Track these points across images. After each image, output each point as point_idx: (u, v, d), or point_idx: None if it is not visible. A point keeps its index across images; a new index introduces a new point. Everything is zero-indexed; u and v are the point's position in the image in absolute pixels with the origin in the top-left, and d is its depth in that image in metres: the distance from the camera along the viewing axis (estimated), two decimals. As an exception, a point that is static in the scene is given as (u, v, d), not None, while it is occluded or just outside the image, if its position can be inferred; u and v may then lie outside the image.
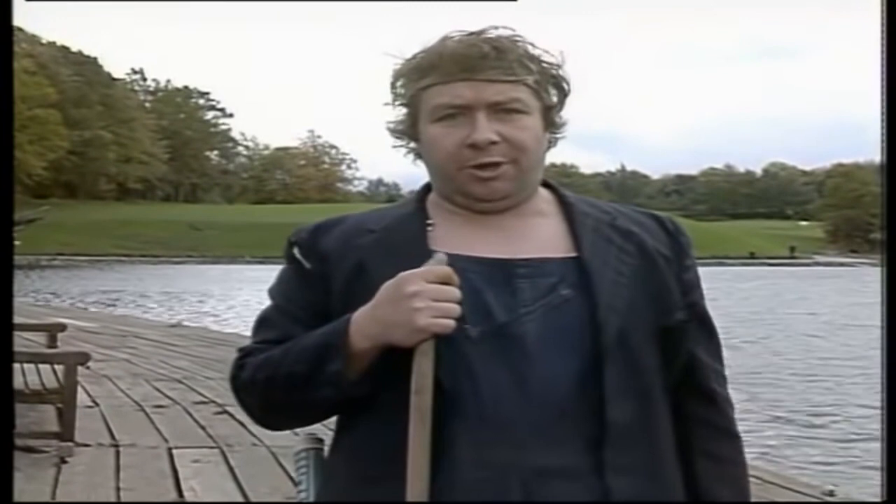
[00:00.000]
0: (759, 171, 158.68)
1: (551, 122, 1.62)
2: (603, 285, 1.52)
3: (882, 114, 2.01)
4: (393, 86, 1.63)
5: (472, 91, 1.55)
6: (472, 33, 1.59)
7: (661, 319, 1.55)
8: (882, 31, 1.98)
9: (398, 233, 1.60)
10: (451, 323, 1.45)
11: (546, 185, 1.68)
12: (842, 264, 79.70)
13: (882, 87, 1.99)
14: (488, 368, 1.48)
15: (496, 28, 1.60)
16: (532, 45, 1.60)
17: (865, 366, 14.45)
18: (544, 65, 1.60)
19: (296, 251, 1.65)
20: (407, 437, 1.44)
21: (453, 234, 1.59)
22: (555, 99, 1.61)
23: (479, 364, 1.49)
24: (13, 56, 2.37)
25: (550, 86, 1.61)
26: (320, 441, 1.70)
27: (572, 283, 1.53)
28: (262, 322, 1.66)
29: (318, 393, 1.53)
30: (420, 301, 1.44)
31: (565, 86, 1.63)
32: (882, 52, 1.98)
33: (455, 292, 1.46)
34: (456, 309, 1.45)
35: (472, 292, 1.49)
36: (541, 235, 1.60)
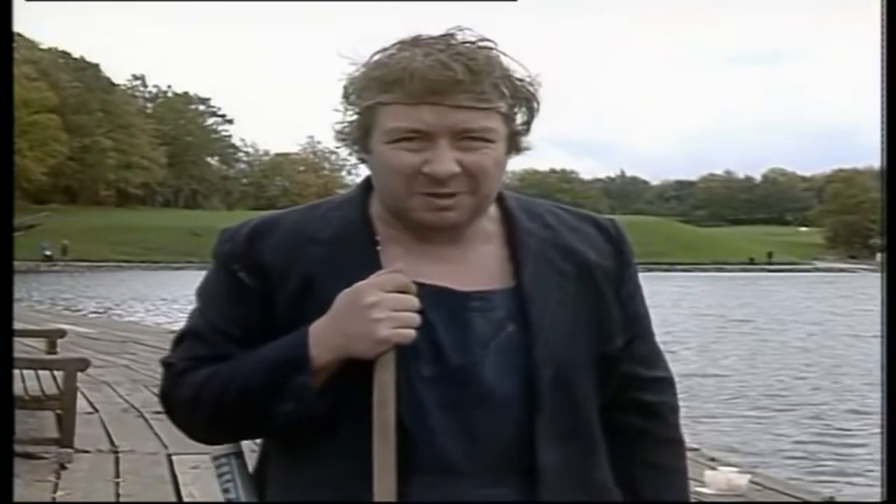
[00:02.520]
0: (758, 176, 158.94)
1: (516, 147, 1.50)
2: (543, 319, 1.47)
3: (882, 117, 2.00)
4: (346, 91, 1.48)
5: (438, 117, 1.41)
6: (441, 44, 1.42)
7: (601, 346, 1.51)
8: (882, 34, 1.97)
9: (346, 246, 1.50)
10: (412, 333, 1.41)
11: None
12: (841, 270, 79.68)
13: (882, 89, 1.98)
14: (441, 413, 1.45)
15: (465, 34, 1.45)
16: (506, 57, 1.46)
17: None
18: (518, 84, 1.45)
19: (234, 266, 1.52)
20: (364, 450, 1.41)
21: (401, 256, 1.49)
22: (523, 121, 1.48)
23: (432, 408, 1.45)
24: (13, 62, 2.37)
25: (522, 108, 1.47)
26: (238, 445, 1.62)
27: (514, 317, 1.48)
28: (193, 336, 1.54)
29: (281, 407, 1.45)
30: (379, 311, 1.40)
31: (535, 106, 1.48)
32: (882, 54, 1.97)
33: (414, 301, 1.42)
34: (416, 318, 1.42)
35: (424, 326, 1.43)
36: (486, 263, 1.51)
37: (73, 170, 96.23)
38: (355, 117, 1.48)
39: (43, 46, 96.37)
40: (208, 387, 1.49)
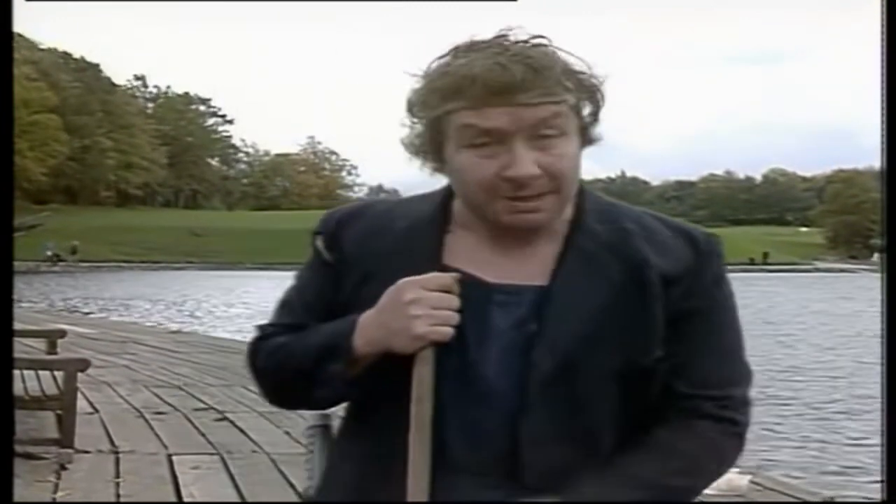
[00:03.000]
0: (758, 177, 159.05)
1: (588, 139, 1.50)
2: (558, 319, 1.46)
3: (882, 117, 2.00)
4: (410, 104, 1.49)
5: (509, 117, 1.41)
6: (496, 47, 1.43)
7: (632, 356, 1.47)
8: (882, 34, 1.97)
9: (415, 237, 1.55)
10: (450, 331, 1.44)
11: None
12: (842, 270, 79.68)
13: (882, 89, 1.98)
14: (447, 407, 1.47)
15: (517, 33, 1.45)
16: (564, 52, 1.46)
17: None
18: (580, 76, 1.46)
19: (319, 242, 1.61)
20: (402, 444, 1.45)
21: (468, 248, 1.53)
22: (590, 112, 1.48)
23: (443, 401, 1.47)
24: (13, 62, 2.37)
25: (587, 99, 1.47)
26: (328, 417, 1.69)
27: (536, 315, 1.48)
28: (283, 304, 1.65)
29: (316, 391, 1.53)
30: (418, 308, 1.44)
31: (600, 96, 1.49)
32: (882, 54, 1.97)
33: (454, 300, 1.45)
34: (454, 317, 1.45)
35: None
36: (535, 260, 1.51)
37: (74, 170, 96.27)
38: (423, 129, 1.50)
39: (43, 47, 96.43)
40: (272, 358, 1.58)
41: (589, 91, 1.47)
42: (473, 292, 1.48)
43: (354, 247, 1.57)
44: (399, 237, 1.56)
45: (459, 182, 1.50)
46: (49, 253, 69.15)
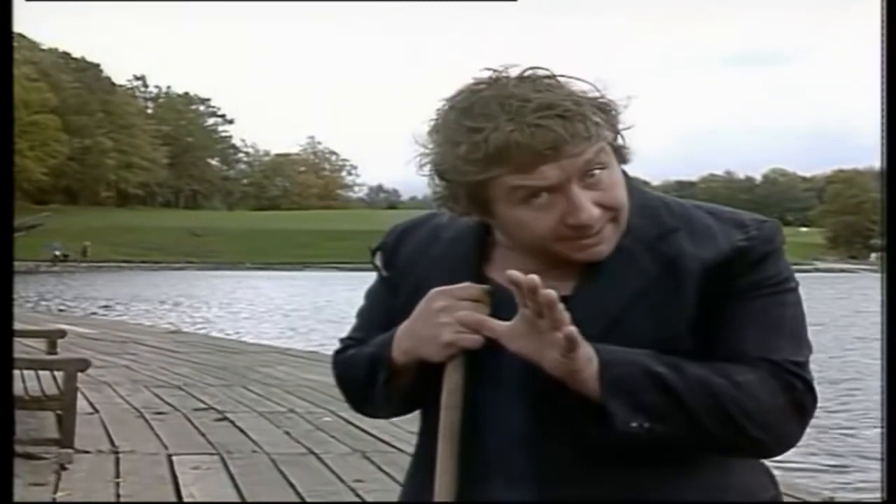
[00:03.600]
0: (758, 177, 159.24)
1: (623, 158, 1.49)
2: (584, 321, 1.43)
3: (882, 117, 2.00)
4: (441, 172, 1.46)
5: (560, 171, 1.40)
6: (518, 101, 1.39)
7: (663, 348, 1.44)
8: (882, 34, 1.97)
9: (456, 252, 1.57)
10: (478, 338, 1.46)
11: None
12: (842, 270, 79.70)
13: (882, 89, 1.98)
14: (480, 413, 1.50)
15: (530, 77, 1.42)
16: (582, 84, 1.44)
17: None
18: (603, 106, 1.45)
19: (377, 258, 1.66)
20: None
21: (508, 259, 1.51)
22: (618, 134, 1.48)
23: (480, 409, 1.50)
24: (13, 62, 2.37)
25: (616, 122, 1.47)
26: None
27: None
28: (357, 316, 1.70)
29: (375, 401, 1.59)
30: (446, 316, 1.46)
31: (620, 118, 1.47)
32: (882, 54, 1.97)
33: (483, 310, 1.47)
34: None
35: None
36: (571, 267, 1.50)
37: (74, 170, 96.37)
38: (461, 191, 1.46)
39: (43, 47, 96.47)
40: (343, 371, 1.65)
41: (612, 114, 1.46)
42: (506, 302, 1.47)
43: (408, 259, 1.61)
44: (444, 248, 1.59)
45: (517, 234, 1.48)
46: (57, 253, 69.35)
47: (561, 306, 1.36)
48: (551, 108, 1.39)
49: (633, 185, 1.55)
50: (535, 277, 1.35)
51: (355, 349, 1.63)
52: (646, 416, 1.40)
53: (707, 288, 1.46)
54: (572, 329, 1.36)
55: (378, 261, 1.66)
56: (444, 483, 1.47)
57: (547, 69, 1.45)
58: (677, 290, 1.46)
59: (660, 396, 1.40)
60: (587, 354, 1.40)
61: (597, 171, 1.43)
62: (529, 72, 1.44)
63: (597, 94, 1.45)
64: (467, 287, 1.49)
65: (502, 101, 1.40)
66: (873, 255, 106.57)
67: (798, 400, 1.46)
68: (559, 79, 1.44)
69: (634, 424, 1.39)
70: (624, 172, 1.54)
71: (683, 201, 1.57)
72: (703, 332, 1.46)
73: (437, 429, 1.50)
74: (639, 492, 1.46)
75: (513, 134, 1.37)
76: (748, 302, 1.47)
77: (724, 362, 1.44)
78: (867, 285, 43.25)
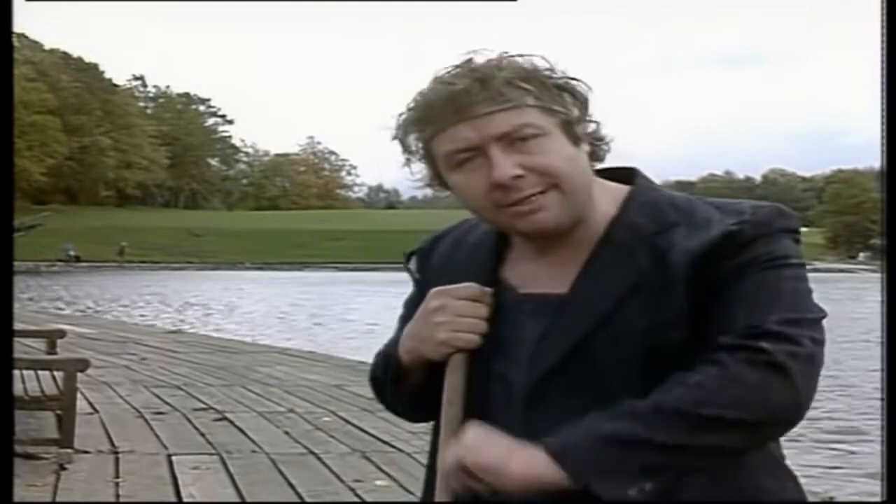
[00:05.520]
0: (758, 177, 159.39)
1: (576, 136, 1.48)
2: (575, 316, 1.46)
3: (882, 117, 2.00)
4: (402, 143, 1.55)
5: (472, 130, 1.45)
6: (451, 69, 1.48)
7: (653, 339, 1.43)
8: (882, 34, 1.97)
9: (476, 254, 1.61)
10: (473, 338, 1.50)
11: (632, 195, 1.55)
12: (841, 270, 79.69)
13: (882, 89, 1.98)
14: (483, 414, 1.50)
15: (479, 54, 1.48)
16: (524, 59, 1.47)
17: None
18: (544, 77, 1.47)
19: (412, 262, 1.70)
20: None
21: (521, 259, 1.57)
22: (573, 109, 1.48)
23: (479, 406, 1.52)
24: (13, 62, 2.37)
25: (560, 96, 1.47)
26: None
27: (556, 323, 1.49)
28: (398, 320, 1.71)
29: (392, 399, 1.64)
30: (442, 316, 1.50)
31: (579, 90, 1.49)
32: (882, 54, 1.97)
33: (480, 309, 1.50)
34: (480, 325, 1.50)
35: (499, 324, 1.52)
36: (570, 266, 1.51)
37: (73, 170, 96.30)
38: (423, 164, 1.55)
39: (43, 47, 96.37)
40: (371, 370, 1.68)
41: (560, 88, 1.48)
42: (508, 301, 1.53)
43: (438, 263, 1.66)
44: (466, 252, 1.63)
45: (465, 202, 1.54)
46: (71, 253, 69.51)
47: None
48: (468, 70, 1.46)
49: (641, 184, 1.56)
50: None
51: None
52: (630, 477, 1.35)
53: (696, 277, 1.44)
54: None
55: (412, 265, 1.69)
56: (445, 483, 1.48)
57: (503, 52, 1.49)
58: (666, 283, 1.44)
59: (628, 451, 1.35)
60: (531, 460, 1.37)
61: (526, 136, 1.44)
62: (485, 53, 1.49)
63: (543, 68, 1.48)
64: (466, 287, 1.52)
65: (444, 71, 1.49)
66: (862, 255, 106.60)
67: (770, 360, 1.37)
68: (511, 56, 1.48)
69: (631, 492, 1.35)
70: (635, 171, 1.57)
71: (695, 197, 1.55)
72: (696, 323, 1.43)
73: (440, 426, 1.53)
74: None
75: (432, 92, 1.47)
76: (734, 282, 1.43)
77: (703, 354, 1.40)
78: (857, 286, 43.23)
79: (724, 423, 1.36)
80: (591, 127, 1.51)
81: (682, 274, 1.44)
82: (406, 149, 1.54)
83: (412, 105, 1.51)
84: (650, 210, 1.51)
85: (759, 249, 1.45)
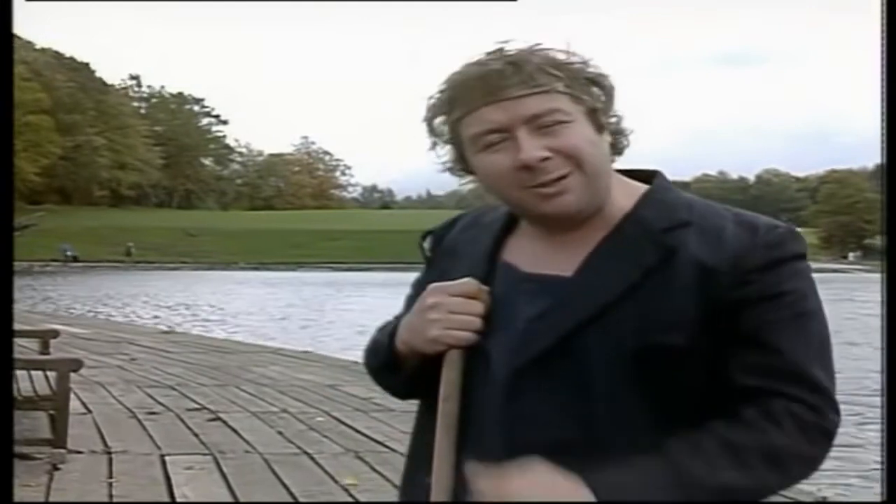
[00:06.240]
0: (752, 177, 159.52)
1: (601, 125, 1.51)
2: (572, 300, 1.46)
3: (882, 117, 2.00)
4: (429, 126, 1.56)
5: (502, 112, 1.47)
6: (484, 54, 1.50)
7: (651, 337, 1.43)
8: (882, 34, 1.97)
9: (484, 235, 1.63)
10: (466, 335, 1.50)
11: (650, 192, 1.56)
12: (835, 270, 79.79)
13: (882, 90, 1.98)
14: (473, 394, 1.52)
15: (510, 43, 1.50)
16: (554, 49, 1.50)
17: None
18: (573, 67, 1.49)
19: (426, 241, 1.71)
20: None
21: (525, 242, 1.58)
22: (600, 98, 1.51)
23: (471, 388, 1.53)
24: (13, 62, 2.36)
25: (588, 86, 1.50)
26: None
27: (558, 304, 1.49)
28: (405, 300, 1.72)
29: (382, 381, 1.68)
30: (436, 313, 1.51)
31: (606, 82, 1.52)
32: (882, 54, 1.97)
33: (476, 306, 1.51)
34: (474, 322, 1.50)
35: (496, 302, 1.53)
36: (577, 248, 1.52)
37: (67, 170, 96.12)
38: (447, 147, 1.56)
39: (37, 47, 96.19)
40: (367, 348, 1.71)
41: (587, 79, 1.50)
42: (508, 280, 1.54)
43: (451, 241, 1.67)
44: (477, 232, 1.64)
45: (489, 185, 1.54)
46: (69, 253, 69.50)
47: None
48: (497, 52, 1.48)
49: (660, 184, 1.57)
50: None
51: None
52: None
53: (708, 292, 1.44)
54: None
55: (427, 243, 1.70)
56: (441, 475, 1.48)
57: (540, 43, 1.51)
58: (670, 284, 1.45)
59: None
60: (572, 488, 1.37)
61: (552, 122, 1.46)
62: (514, 43, 1.51)
63: (575, 60, 1.50)
64: (462, 284, 1.52)
65: (476, 56, 1.51)
66: (852, 255, 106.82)
67: (822, 425, 1.43)
68: (544, 47, 1.50)
69: None
70: (657, 173, 1.58)
71: (713, 203, 1.56)
72: (706, 339, 1.43)
73: (427, 418, 1.54)
74: None
75: (463, 74, 1.49)
76: (766, 319, 1.44)
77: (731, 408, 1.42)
78: (848, 287, 43.30)
79: (759, 488, 1.42)
80: (614, 119, 1.54)
81: (690, 281, 1.44)
82: (432, 131, 1.56)
83: (443, 87, 1.52)
84: (663, 207, 1.52)
85: (786, 284, 1.46)
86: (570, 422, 1.45)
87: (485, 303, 1.52)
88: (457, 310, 1.50)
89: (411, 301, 1.65)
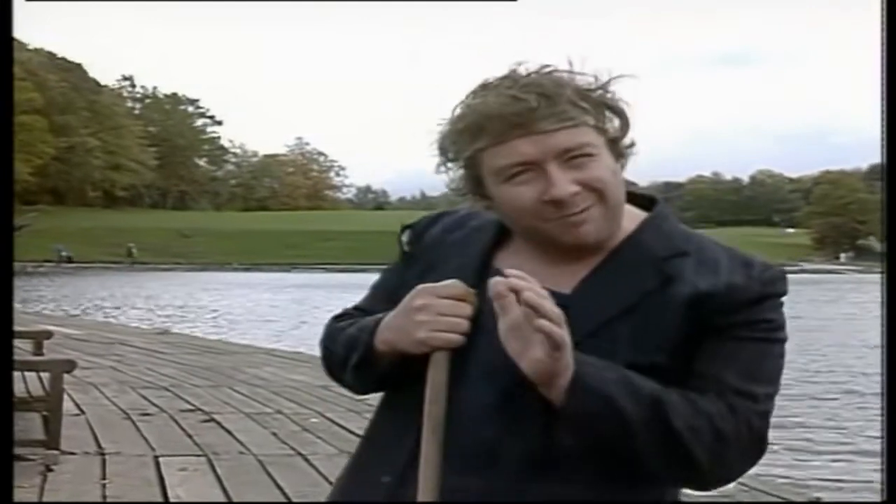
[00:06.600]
0: (746, 178, 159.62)
1: (620, 153, 1.54)
2: (571, 321, 1.45)
3: (882, 117, 2.00)
4: (443, 149, 1.56)
5: (534, 146, 1.47)
6: (509, 81, 1.49)
7: (634, 357, 1.47)
8: (882, 34, 1.97)
9: (474, 240, 1.62)
10: (454, 337, 1.50)
11: (650, 218, 1.60)
12: (828, 272, 79.91)
13: (882, 90, 1.98)
14: (455, 403, 1.51)
15: (525, 67, 1.50)
16: (575, 74, 1.51)
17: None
18: (596, 94, 1.51)
19: (405, 234, 1.70)
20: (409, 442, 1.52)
21: (521, 253, 1.58)
22: (617, 125, 1.53)
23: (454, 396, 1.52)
24: (13, 63, 2.36)
25: (611, 115, 1.52)
26: None
27: None
28: (370, 288, 1.74)
29: (347, 376, 1.65)
30: (424, 314, 1.50)
31: (624, 108, 1.54)
32: (882, 54, 1.97)
33: (464, 308, 1.50)
34: (462, 324, 1.50)
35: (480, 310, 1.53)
36: (573, 267, 1.54)
37: (60, 171, 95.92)
38: (461, 171, 1.56)
39: (30, 47, 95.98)
40: (328, 337, 1.70)
41: (607, 106, 1.52)
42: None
43: (433, 238, 1.66)
44: (465, 234, 1.64)
45: (506, 214, 1.55)
46: (63, 254, 69.45)
47: (556, 310, 1.38)
48: (530, 84, 1.47)
49: (660, 211, 1.61)
50: (514, 281, 1.39)
51: (347, 322, 1.67)
52: (593, 440, 1.44)
53: (697, 316, 1.49)
54: (556, 330, 1.37)
55: (405, 237, 1.69)
56: (428, 481, 1.47)
57: (549, 64, 1.51)
58: (665, 308, 1.49)
59: (615, 428, 1.43)
60: (568, 362, 1.41)
61: (580, 155, 1.48)
62: (533, 66, 1.51)
63: (594, 87, 1.51)
64: (450, 285, 1.52)
65: (499, 81, 1.49)
66: (843, 256, 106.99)
67: (757, 436, 1.50)
68: (564, 72, 1.50)
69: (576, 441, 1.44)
70: (654, 199, 1.62)
71: (707, 236, 1.61)
72: (685, 358, 1.49)
73: (388, 417, 1.56)
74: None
75: (491, 104, 1.47)
76: (740, 341, 1.50)
77: (696, 391, 1.47)
78: (839, 288, 43.34)
79: (698, 463, 1.45)
80: (629, 145, 1.56)
81: (682, 306, 1.49)
82: (446, 156, 1.56)
83: (465, 113, 1.51)
84: (663, 235, 1.56)
85: (768, 314, 1.52)
86: (557, 434, 1.47)
87: (472, 305, 1.52)
88: (445, 312, 1.50)
89: (379, 288, 1.70)
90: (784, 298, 1.55)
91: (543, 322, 1.36)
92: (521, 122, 1.46)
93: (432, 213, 1.73)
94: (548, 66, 1.51)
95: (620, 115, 1.53)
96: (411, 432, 1.52)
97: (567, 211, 1.48)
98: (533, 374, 1.41)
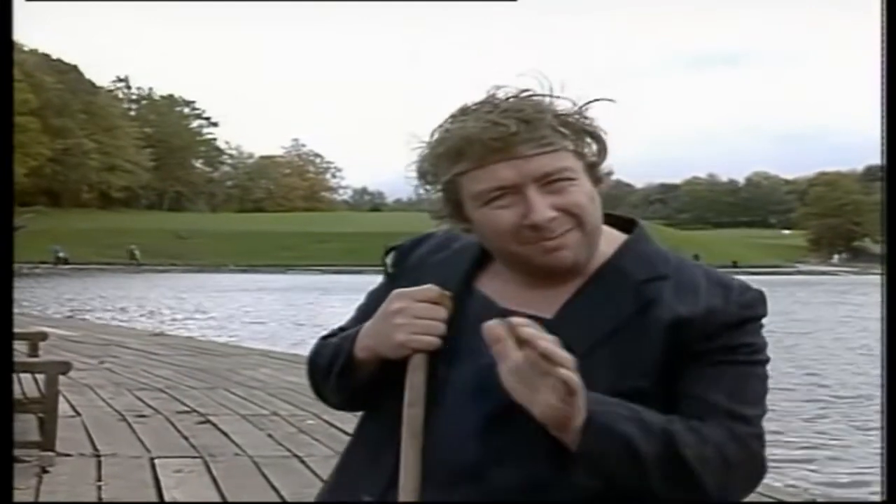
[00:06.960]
0: (742, 180, 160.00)
1: (597, 178, 1.56)
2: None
3: (882, 117, 2.00)
4: (422, 173, 1.57)
5: (514, 170, 1.48)
6: (488, 105, 1.50)
7: (617, 382, 1.48)
8: (882, 34, 1.97)
9: (456, 261, 1.63)
10: (431, 340, 1.51)
11: (631, 241, 1.61)
12: (823, 273, 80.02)
13: (882, 90, 1.98)
14: (435, 418, 1.52)
15: (504, 91, 1.51)
16: (555, 99, 1.52)
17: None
18: (575, 120, 1.52)
19: (388, 257, 1.71)
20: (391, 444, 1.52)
21: (502, 276, 1.59)
22: (595, 150, 1.55)
23: (432, 410, 1.53)
24: (13, 64, 2.35)
25: (589, 140, 1.54)
26: None
27: None
28: (355, 310, 1.76)
29: (327, 389, 1.68)
30: (401, 318, 1.53)
31: (602, 134, 1.55)
32: (882, 54, 1.97)
33: (439, 312, 1.52)
34: (438, 327, 1.51)
35: (458, 332, 1.53)
36: (554, 292, 1.55)
37: (56, 172, 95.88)
38: (440, 195, 1.57)
39: (26, 48, 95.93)
40: (313, 353, 1.73)
41: (585, 131, 1.53)
42: (482, 311, 1.53)
43: (416, 260, 1.68)
44: (447, 256, 1.65)
45: (485, 237, 1.56)
46: (60, 255, 69.55)
47: (567, 355, 1.37)
48: (510, 109, 1.48)
49: (639, 234, 1.62)
50: (524, 330, 1.38)
51: (333, 338, 1.71)
52: (606, 479, 1.44)
53: (677, 341, 1.49)
54: (573, 377, 1.37)
55: (389, 258, 1.71)
56: (408, 483, 1.47)
57: (528, 89, 1.52)
58: (644, 332, 1.50)
59: (630, 466, 1.43)
60: (581, 406, 1.40)
61: (561, 183, 1.49)
62: (511, 90, 1.52)
63: (573, 112, 1.52)
64: (426, 289, 1.54)
65: (479, 106, 1.50)
66: (836, 257, 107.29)
67: (758, 459, 1.53)
68: (544, 97, 1.51)
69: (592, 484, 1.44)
70: (634, 221, 1.63)
71: (686, 259, 1.62)
72: (669, 383, 1.50)
73: (391, 427, 1.53)
74: None
75: (470, 128, 1.47)
76: (724, 365, 1.51)
77: (693, 419, 1.47)
78: (832, 290, 43.37)
79: (702, 488, 1.46)
80: (606, 172, 1.57)
81: (662, 330, 1.50)
82: (425, 179, 1.57)
83: (444, 138, 1.52)
84: (642, 259, 1.57)
85: (748, 337, 1.54)
86: (542, 458, 1.46)
87: (448, 308, 1.53)
88: (422, 314, 1.52)
89: (363, 310, 1.70)
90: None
91: (563, 371, 1.35)
92: (500, 147, 1.47)
93: (416, 236, 1.74)
94: (527, 90, 1.51)
95: (598, 140, 1.54)
96: (390, 450, 1.52)
97: (545, 235, 1.49)
98: (547, 419, 1.41)
